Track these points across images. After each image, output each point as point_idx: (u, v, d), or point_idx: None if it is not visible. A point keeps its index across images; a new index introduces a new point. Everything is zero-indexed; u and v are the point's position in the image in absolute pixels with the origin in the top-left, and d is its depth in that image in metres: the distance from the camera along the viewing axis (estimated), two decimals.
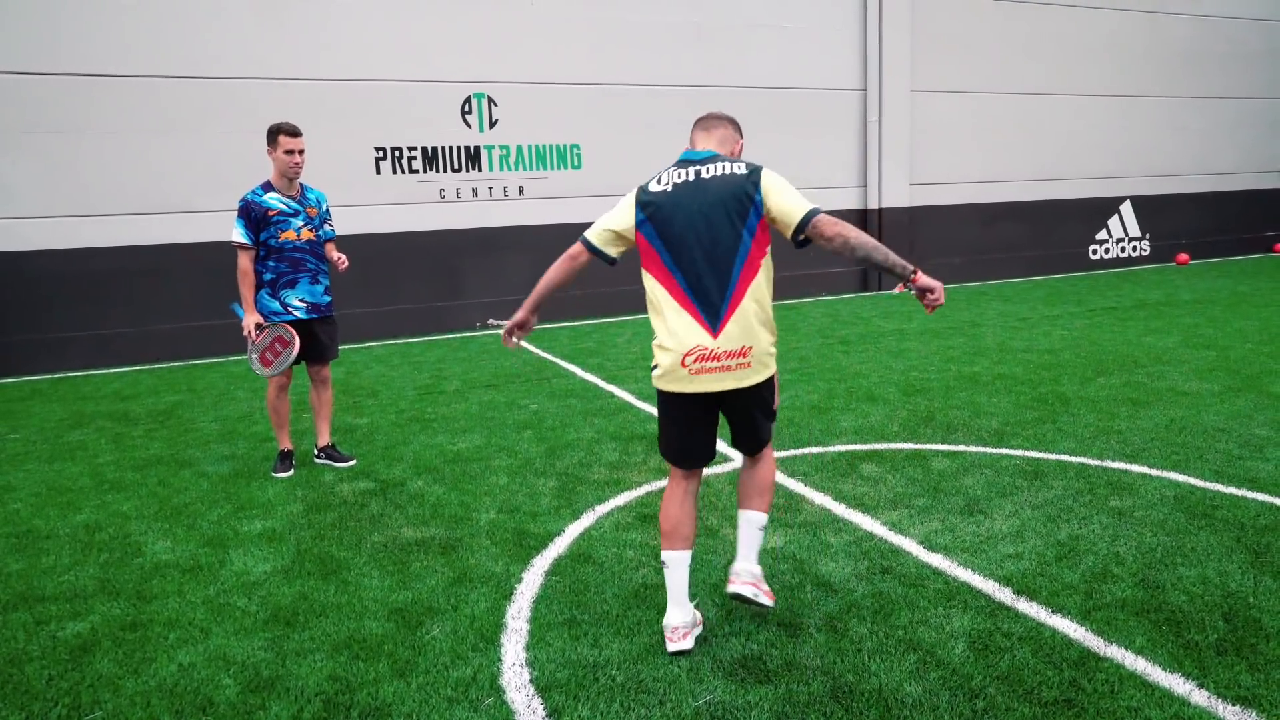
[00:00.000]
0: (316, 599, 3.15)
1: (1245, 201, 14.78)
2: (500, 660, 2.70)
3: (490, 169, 9.76)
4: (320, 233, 4.61)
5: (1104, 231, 13.78)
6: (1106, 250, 13.83)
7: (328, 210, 4.70)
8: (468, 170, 9.67)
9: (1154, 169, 13.92)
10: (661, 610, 2.96)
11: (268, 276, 4.48)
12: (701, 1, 10.46)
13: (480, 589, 3.19)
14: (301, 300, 4.54)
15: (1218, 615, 2.79)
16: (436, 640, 2.83)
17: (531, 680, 2.58)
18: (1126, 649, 2.62)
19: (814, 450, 4.72)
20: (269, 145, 4.40)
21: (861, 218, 11.89)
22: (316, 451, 4.82)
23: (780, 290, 3.40)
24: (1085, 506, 3.77)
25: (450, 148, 9.55)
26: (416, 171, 9.45)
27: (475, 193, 9.74)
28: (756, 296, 2.60)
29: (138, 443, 5.43)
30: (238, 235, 4.41)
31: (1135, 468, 4.24)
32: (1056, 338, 7.84)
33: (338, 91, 8.92)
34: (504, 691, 2.53)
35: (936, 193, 12.29)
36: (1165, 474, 4.14)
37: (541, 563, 3.40)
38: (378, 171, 9.27)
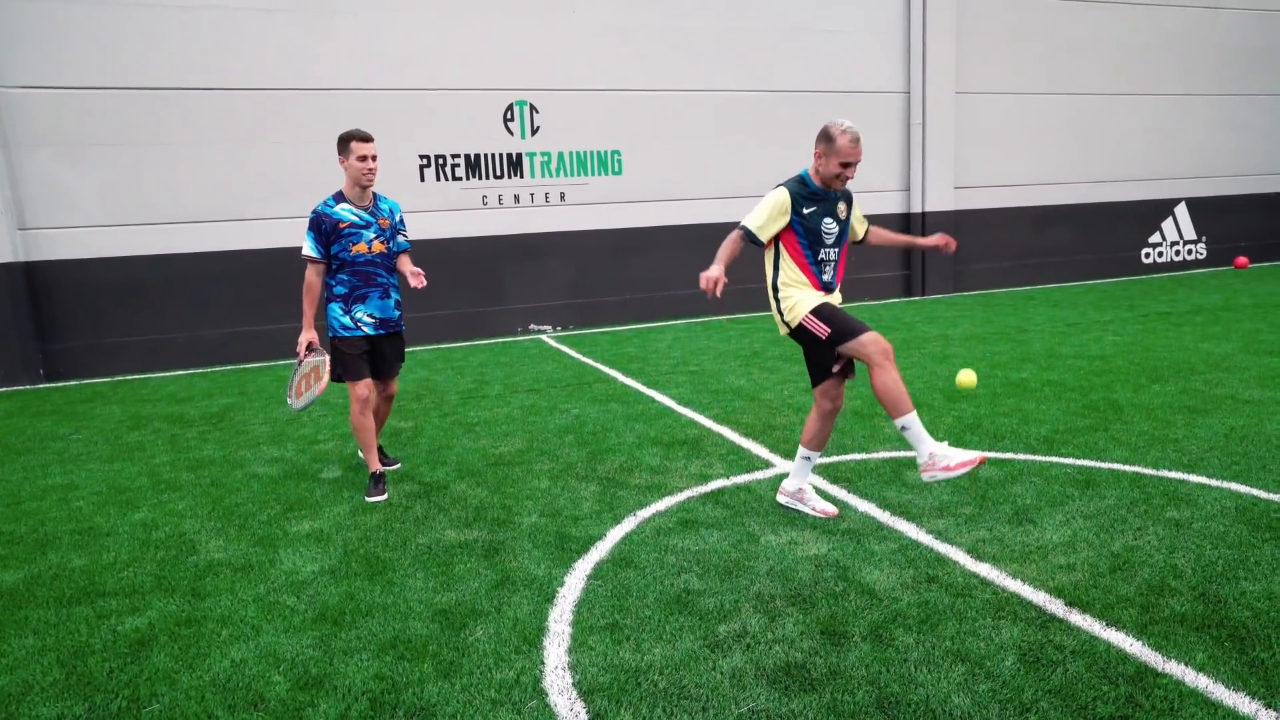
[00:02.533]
0: (363, 599, 3.21)
1: None
2: (543, 663, 2.71)
3: (532, 175, 9.86)
4: (392, 244, 4.43)
5: (1158, 235, 13.37)
6: (1160, 254, 13.41)
7: (401, 220, 4.52)
8: (510, 177, 9.78)
9: (1211, 170, 13.46)
10: (703, 616, 2.96)
11: (340, 290, 4.33)
12: (742, 6, 10.44)
13: (523, 592, 3.21)
14: (371, 316, 4.39)
15: None
16: (480, 642, 2.86)
17: (574, 684, 2.59)
18: (1186, 665, 2.53)
19: (857, 456, 4.66)
20: (340, 153, 4.27)
21: (905, 221, 11.72)
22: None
23: None
24: (1140, 517, 3.65)
25: (493, 155, 9.68)
26: (460, 179, 9.59)
27: (517, 199, 9.85)
28: (769, 274, 3.73)
29: (192, 444, 5.60)
30: (308, 248, 4.29)
31: (1193, 478, 4.10)
32: (1108, 343, 7.62)
33: (384, 101, 9.10)
34: (546, 694, 2.54)
35: (982, 196, 12.06)
36: (1226, 484, 3.99)
37: (583, 566, 3.41)
38: (422, 179, 9.43)
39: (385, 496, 4.37)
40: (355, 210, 4.31)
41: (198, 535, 3.94)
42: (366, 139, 4.24)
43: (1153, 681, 2.46)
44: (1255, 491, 3.89)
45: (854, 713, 2.38)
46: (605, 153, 10.13)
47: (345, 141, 4.26)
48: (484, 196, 9.72)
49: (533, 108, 9.74)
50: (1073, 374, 6.44)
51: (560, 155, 9.94)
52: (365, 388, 4.39)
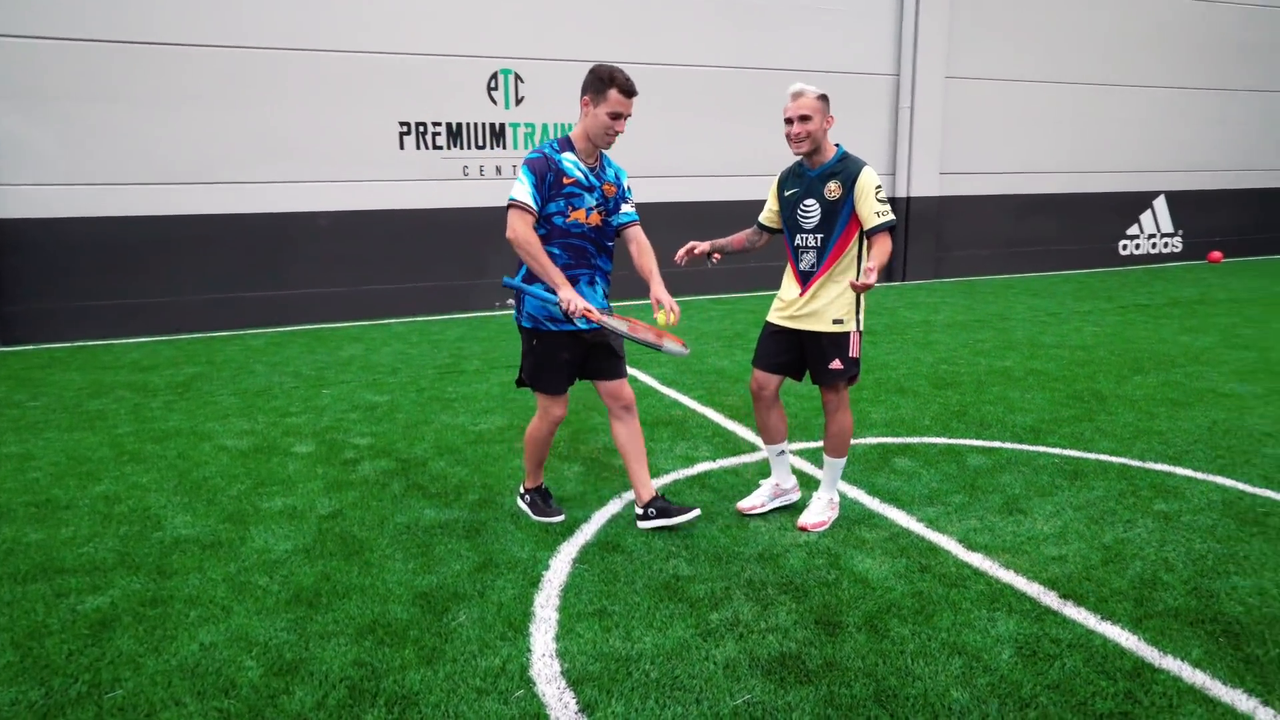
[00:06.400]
0: (339, 580, 3.08)
1: None
2: (529, 650, 2.62)
3: (515, 147, 9.62)
4: (614, 217, 3.46)
5: (1135, 227, 13.48)
6: (1137, 246, 13.53)
7: (628, 189, 3.55)
8: (492, 148, 9.53)
9: (1192, 164, 13.56)
10: (694, 604, 2.88)
11: None
12: None
13: (507, 575, 3.11)
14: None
15: (1279, 629, 2.67)
16: (463, 628, 2.75)
17: (562, 673, 2.50)
18: (1184, 660, 2.51)
19: None
20: (589, 93, 3.23)
21: (890, 206, 11.67)
22: (640, 511, 3.45)
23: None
24: (1129, 509, 3.64)
25: (475, 124, 9.41)
26: (440, 148, 9.32)
27: (499, 170, 9.61)
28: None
29: (156, 414, 5.39)
30: (524, 194, 3.22)
31: (1179, 470, 4.10)
32: (1089, 334, 7.65)
33: (366, 64, 8.78)
34: (534, 684, 2.44)
35: (967, 183, 12.03)
36: (1211, 478, 4.00)
37: (569, 550, 3.31)
38: (401, 147, 9.15)
39: (563, 517, 3.59)
40: (583, 167, 3.32)
41: (163, 510, 3.77)
42: (632, 93, 3.25)
43: (1150, 677, 2.43)
44: (1240, 485, 3.89)
45: (852, 706, 2.32)
46: None
47: (603, 82, 3.21)
48: (465, 167, 9.46)
49: (518, 77, 9.48)
50: (1055, 363, 6.45)
51: (545, 127, 9.71)
52: (563, 407, 3.51)
